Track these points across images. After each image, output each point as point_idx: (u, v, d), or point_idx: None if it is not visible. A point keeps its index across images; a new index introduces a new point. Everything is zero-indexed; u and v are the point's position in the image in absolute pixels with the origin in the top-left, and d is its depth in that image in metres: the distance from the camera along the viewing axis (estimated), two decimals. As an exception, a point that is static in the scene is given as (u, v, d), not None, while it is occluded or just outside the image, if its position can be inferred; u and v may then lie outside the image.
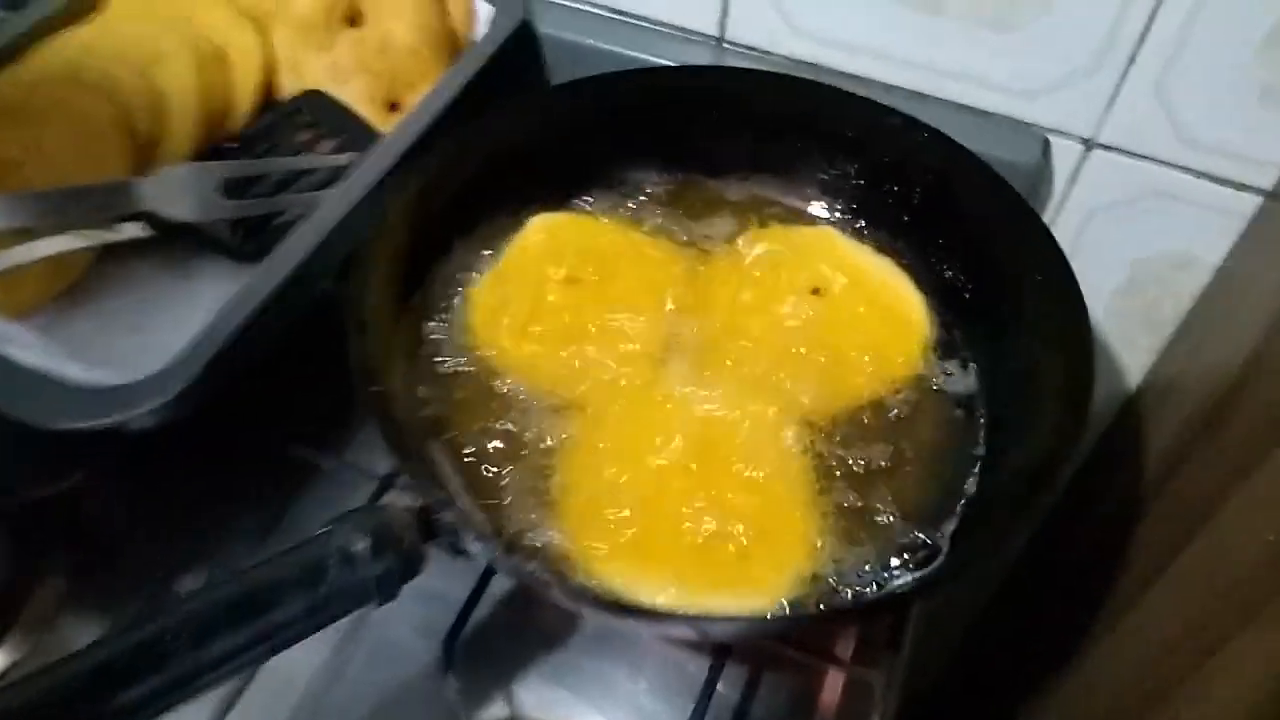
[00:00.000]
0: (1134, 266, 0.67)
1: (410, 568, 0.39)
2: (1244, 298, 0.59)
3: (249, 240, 0.54)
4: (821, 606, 0.45)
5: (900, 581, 0.46)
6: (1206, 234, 0.63)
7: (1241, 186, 0.60)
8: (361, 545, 0.37)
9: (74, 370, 0.46)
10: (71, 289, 0.55)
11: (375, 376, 0.45)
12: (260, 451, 0.53)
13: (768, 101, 0.60)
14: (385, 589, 0.38)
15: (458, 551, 0.40)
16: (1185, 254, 0.65)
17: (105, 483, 0.52)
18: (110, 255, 0.55)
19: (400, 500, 0.39)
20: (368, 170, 0.56)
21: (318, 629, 0.37)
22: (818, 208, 0.61)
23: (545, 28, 0.69)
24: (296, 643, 0.36)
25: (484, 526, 0.45)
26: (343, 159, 0.58)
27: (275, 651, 0.36)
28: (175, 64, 0.60)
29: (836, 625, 0.49)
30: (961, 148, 0.56)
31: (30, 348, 0.47)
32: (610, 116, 0.59)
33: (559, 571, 0.44)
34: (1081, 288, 0.50)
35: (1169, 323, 0.69)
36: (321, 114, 0.61)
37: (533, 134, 0.58)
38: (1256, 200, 0.60)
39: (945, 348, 0.55)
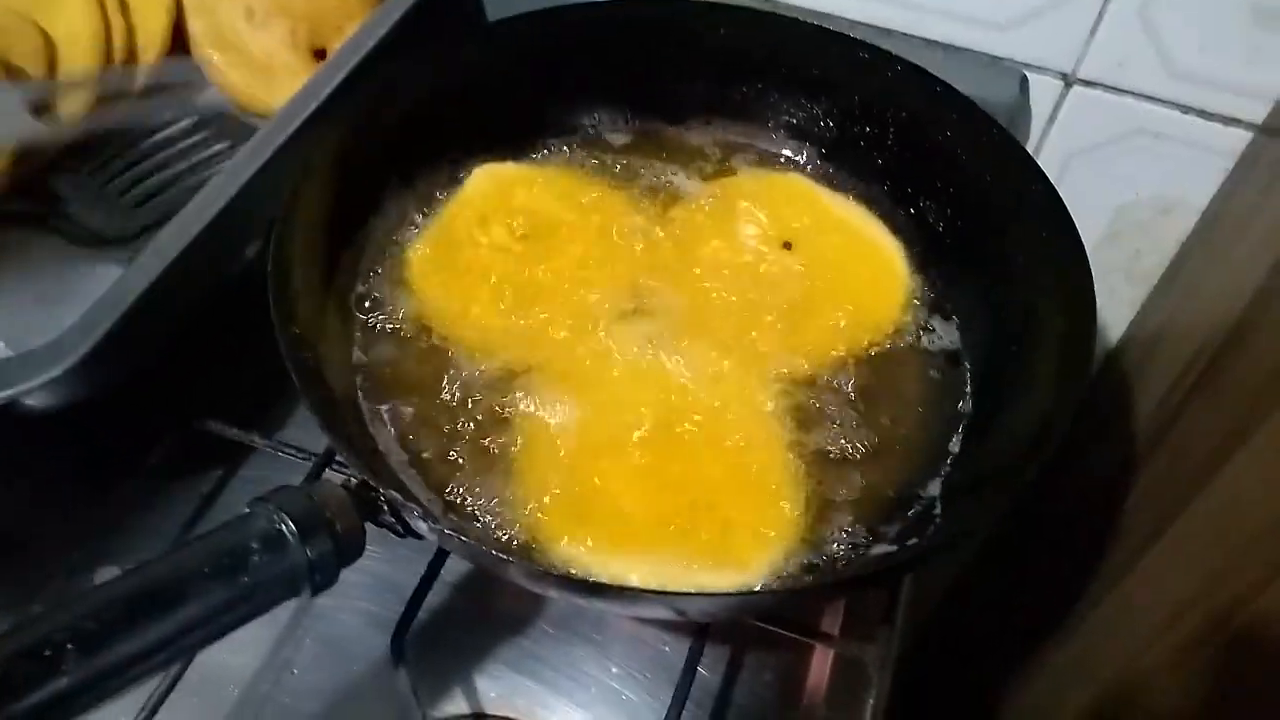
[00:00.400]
0: (1116, 213, 0.64)
1: (348, 551, 0.34)
2: (1237, 241, 0.56)
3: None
4: (808, 579, 0.40)
5: (887, 549, 0.42)
6: (1194, 175, 0.60)
7: (1232, 121, 0.57)
8: (287, 527, 0.32)
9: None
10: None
11: (302, 343, 0.40)
12: (183, 432, 0.47)
13: (728, 37, 0.55)
14: (319, 575, 0.33)
15: (403, 532, 0.35)
16: (1171, 198, 0.62)
17: (8, 467, 0.45)
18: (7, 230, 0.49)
19: (334, 478, 0.34)
20: (283, 121, 0.51)
21: (242, 623, 0.32)
22: (787, 152, 0.57)
23: (482, -34, 0.63)
24: (217, 639, 0.31)
25: (432, 504, 0.40)
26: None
27: (190, 651, 0.31)
28: (68, 6, 0.54)
29: (823, 598, 0.45)
30: (938, 81, 0.52)
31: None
32: (557, 55, 0.54)
33: (518, 550, 0.39)
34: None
35: (1153, 273, 0.66)
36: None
37: (471, 75, 0.53)
38: (1247, 136, 0.57)
39: (927, 299, 0.51)
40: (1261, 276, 0.50)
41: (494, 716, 0.42)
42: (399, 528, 0.36)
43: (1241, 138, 0.57)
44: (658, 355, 0.48)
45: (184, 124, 0.55)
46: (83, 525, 0.46)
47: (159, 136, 0.54)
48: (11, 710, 0.27)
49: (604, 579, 0.38)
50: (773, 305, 0.50)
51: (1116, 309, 0.69)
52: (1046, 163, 0.62)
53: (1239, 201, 0.57)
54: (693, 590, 0.39)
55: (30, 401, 0.39)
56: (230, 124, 0.56)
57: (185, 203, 0.46)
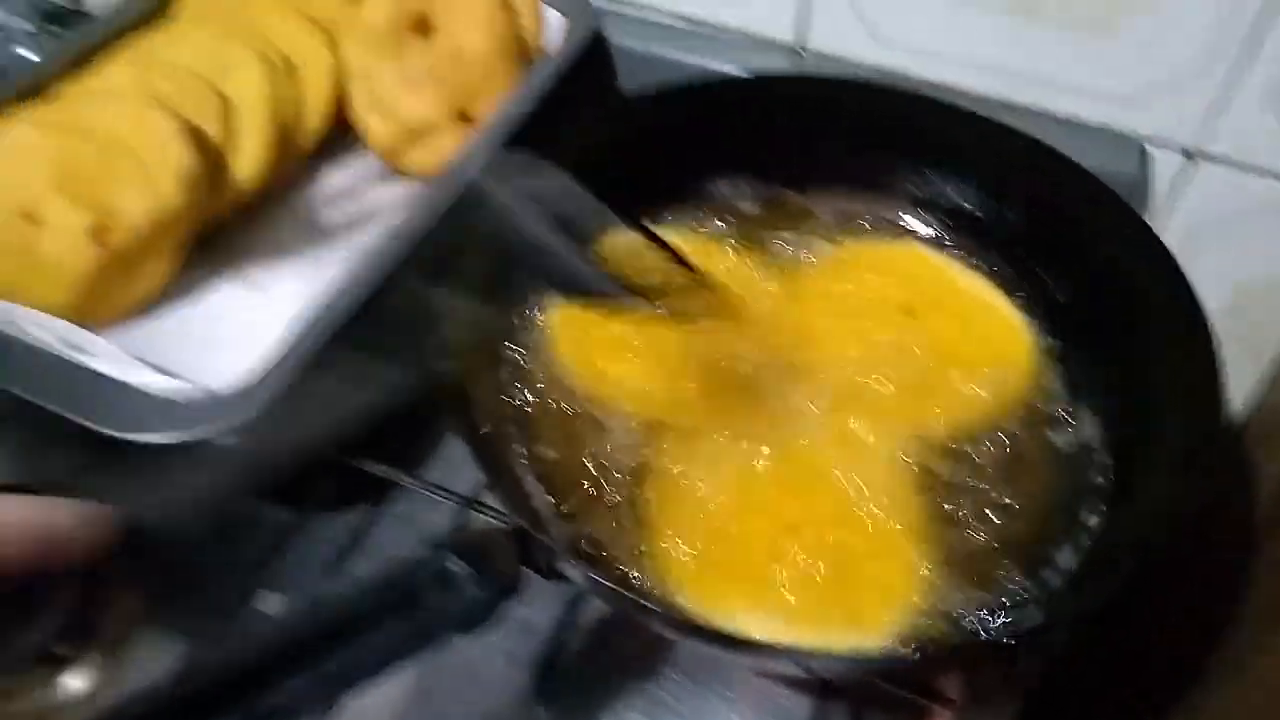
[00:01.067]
0: (1238, 287, 0.64)
1: (505, 592, 0.36)
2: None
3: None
4: (934, 645, 0.42)
5: (1011, 621, 0.43)
6: (1319, 252, 0.60)
7: (1362, 198, 0.57)
8: (459, 568, 0.35)
9: (156, 381, 0.44)
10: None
11: (464, 396, 0.43)
12: (335, 467, 0.51)
13: (854, 111, 0.58)
14: (481, 614, 0.36)
15: (551, 575, 0.38)
16: (1294, 273, 0.62)
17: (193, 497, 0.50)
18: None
19: (492, 521, 0.37)
20: (446, 183, 0.55)
21: (413, 655, 0.34)
22: (910, 222, 0.59)
23: (616, 37, 0.67)
24: (390, 670, 0.34)
25: (578, 549, 0.43)
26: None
27: (367, 680, 0.34)
28: (245, 73, 0.59)
29: (948, 664, 0.46)
30: (1061, 157, 0.53)
31: (110, 358, 0.45)
32: (690, 128, 0.57)
33: (656, 598, 0.41)
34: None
35: (1277, 347, 0.65)
36: None
37: (611, 147, 0.56)
38: (1377, 214, 0.57)
39: (1052, 372, 0.52)
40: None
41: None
42: (550, 571, 0.38)
43: (1372, 216, 0.57)
44: (788, 415, 0.50)
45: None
46: (246, 553, 0.49)
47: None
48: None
49: (737, 632, 0.40)
50: (899, 372, 0.52)
51: (1237, 382, 0.68)
52: (1168, 236, 0.63)
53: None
54: (822, 649, 0.40)
55: (218, 440, 0.43)
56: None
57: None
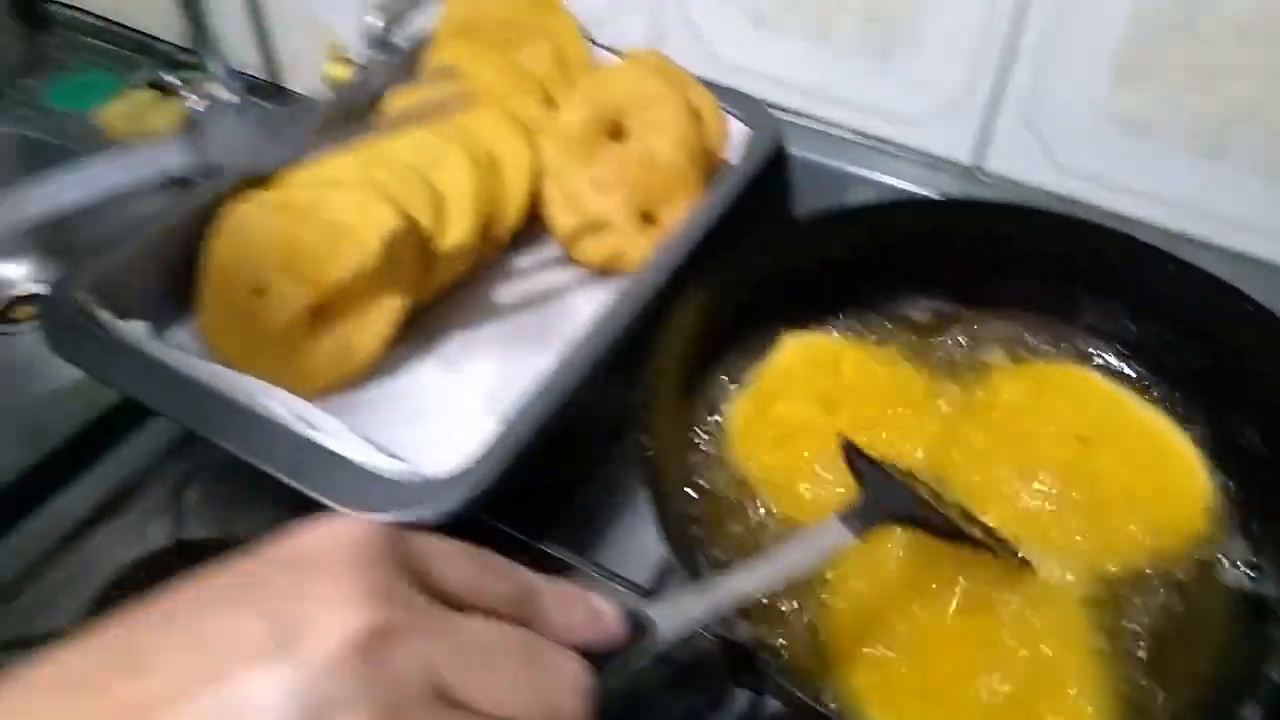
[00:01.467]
0: None
1: (714, 705, 0.38)
2: None
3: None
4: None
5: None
6: None
7: None
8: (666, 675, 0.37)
9: (379, 461, 0.48)
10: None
11: (666, 499, 0.45)
12: (516, 547, 0.54)
13: (1033, 239, 0.59)
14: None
15: (758, 690, 0.40)
16: None
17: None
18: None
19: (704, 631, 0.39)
20: (641, 288, 0.58)
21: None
22: (1085, 349, 0.59)
23: (795, 149, 0.70)
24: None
25: (763, 654, 0.44)
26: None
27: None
28: (454, 168, 0.64)
29: None
30: (1247, 298, 0.54)
31: (338, 435, 0.49)
32: (874, 245, 0.59)
33: (840, 713, 0.43)
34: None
35: None
36: None
37: (798, 259, 0.58)
38: None
39: (1232, 515, 0.52)
40: None
41: None
42: (756, 687, 0.40)
43: None
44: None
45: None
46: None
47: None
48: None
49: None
50: (1069, 501, 0.52)
51: None
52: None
53: None
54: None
55: (433, 521, 0.46)
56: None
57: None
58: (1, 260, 1.07)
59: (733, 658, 0.39)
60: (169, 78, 0.94)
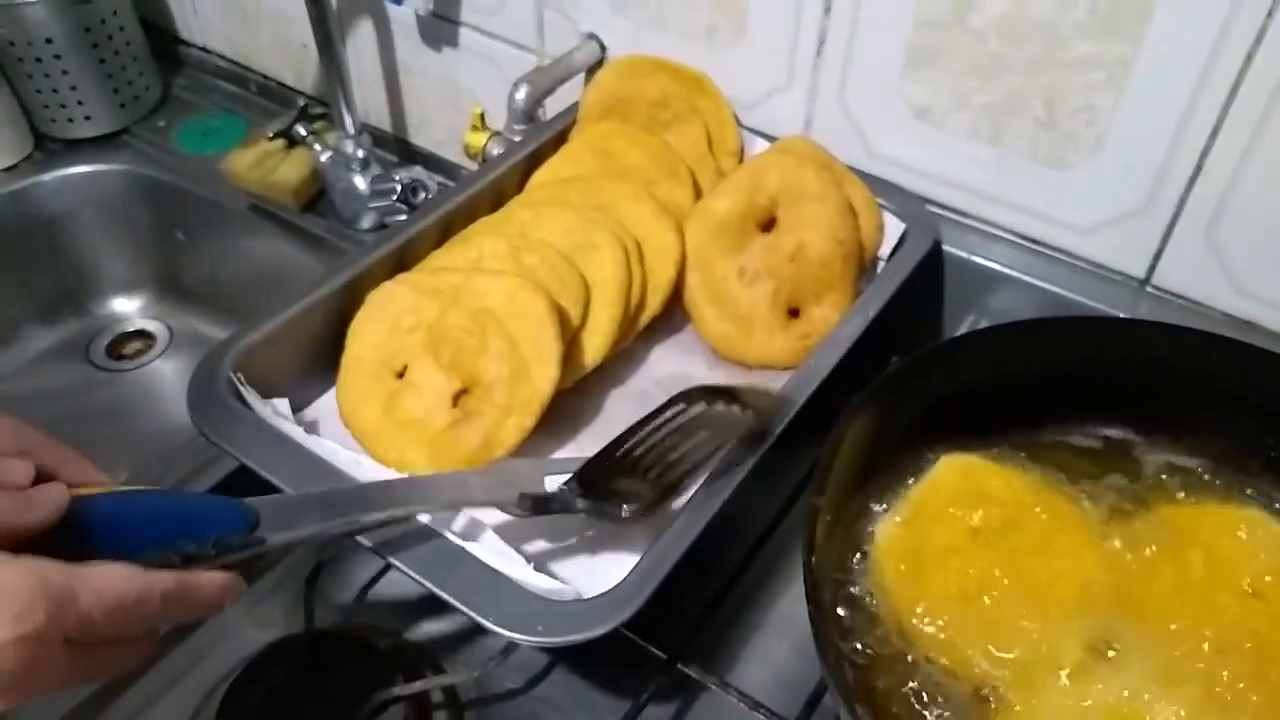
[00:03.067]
0: None
1: None
2: None
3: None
4: None
5: None
6: None
7: None
8: None
9: (534, 580, 0.46)
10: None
11: (831, 644, 0.43)
12: (670, 673, 0.52)
13: (1220, 369, 0.55)
14: None
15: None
16: None
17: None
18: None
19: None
20: (795, 392, 0.55)
21: None
22: (1263, 488, 0.55)
23: (950, 246, 0.67)
24: None
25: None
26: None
27: None
28: (603, 255, 0.62)
29: None
30: None
31: (494, 549, 0.48)
32: (1056, 362, 0.56)
33: None
34: None
35: None
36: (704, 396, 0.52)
37: (967, 376, 0.55)
38: None
39: None
40: None
41: None
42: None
43: None
44: (1125, 685, 0.48)
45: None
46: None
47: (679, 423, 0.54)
48: None
49: None
50: (1235, 660, 0.49)
51: None
52: None
53: None
54: None
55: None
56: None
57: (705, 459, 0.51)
58: (116, 295, 1.09)
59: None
60: (300, 129, 0.94)
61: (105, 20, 1.00)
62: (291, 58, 1.03)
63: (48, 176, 1.02)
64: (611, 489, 0.50)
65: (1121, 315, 0.62)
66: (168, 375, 1.04)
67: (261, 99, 1.09)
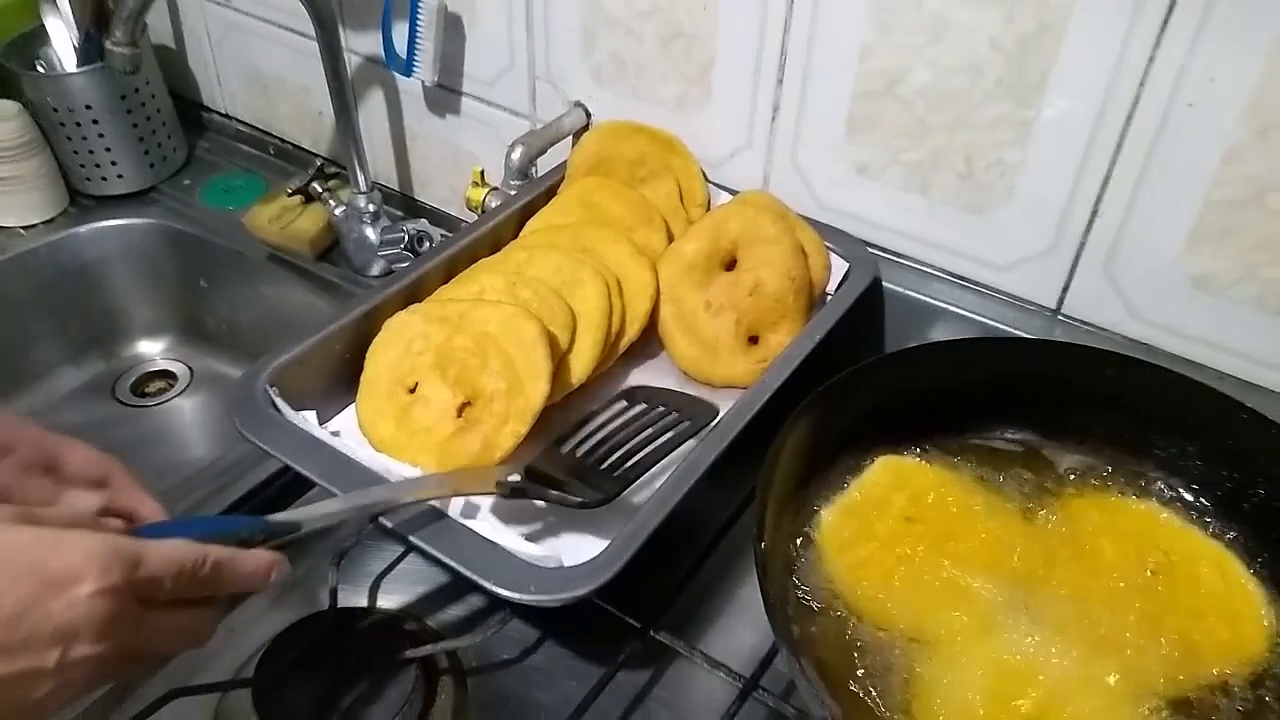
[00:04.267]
0: None
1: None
2: None
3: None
4: None
5: None
6: None
7: None
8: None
9: (526, 548, 0.55)
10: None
11: (779, 610, 0.51)
12: (644, 639, 0.61)
13: (1110, 381, 0.65)
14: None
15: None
16: None
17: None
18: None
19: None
20: (748, 404, 0.65)
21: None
22: (1154, 482, 0.65)
23: (889, 283, 0.77)
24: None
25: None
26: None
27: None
28: (588, 290, 0.72)
29: None
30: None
31: (492, 525, 0.56)
32: (970, 376, 0.66)
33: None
34: None
35: None
36: (646, 397, 0.65)
37: (898, 388, 0.65)
38: None
39: (1288, 627, 0.56)
40: None
41: None
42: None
43: None
44: (1035, 649, 0.56)
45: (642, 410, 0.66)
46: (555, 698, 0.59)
47: (626, 419, 0.64)
48: None
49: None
50: (1134, 625, 0.57)
51: None
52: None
53: None
54: None
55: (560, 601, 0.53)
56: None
57: (653, 461, 0.60)
58: (141, 338, 1.18)
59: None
60: (316, 186, 1.04)
61: (139, 89, 1.11)
62: (308, 124, 1.14)
63: (83, 229, 1.12)
64: (562, 480, 0.59)
65: (1027, 336, 0.71)
66: (187, 412, 1.13)
67: (279, 160, 1.20)
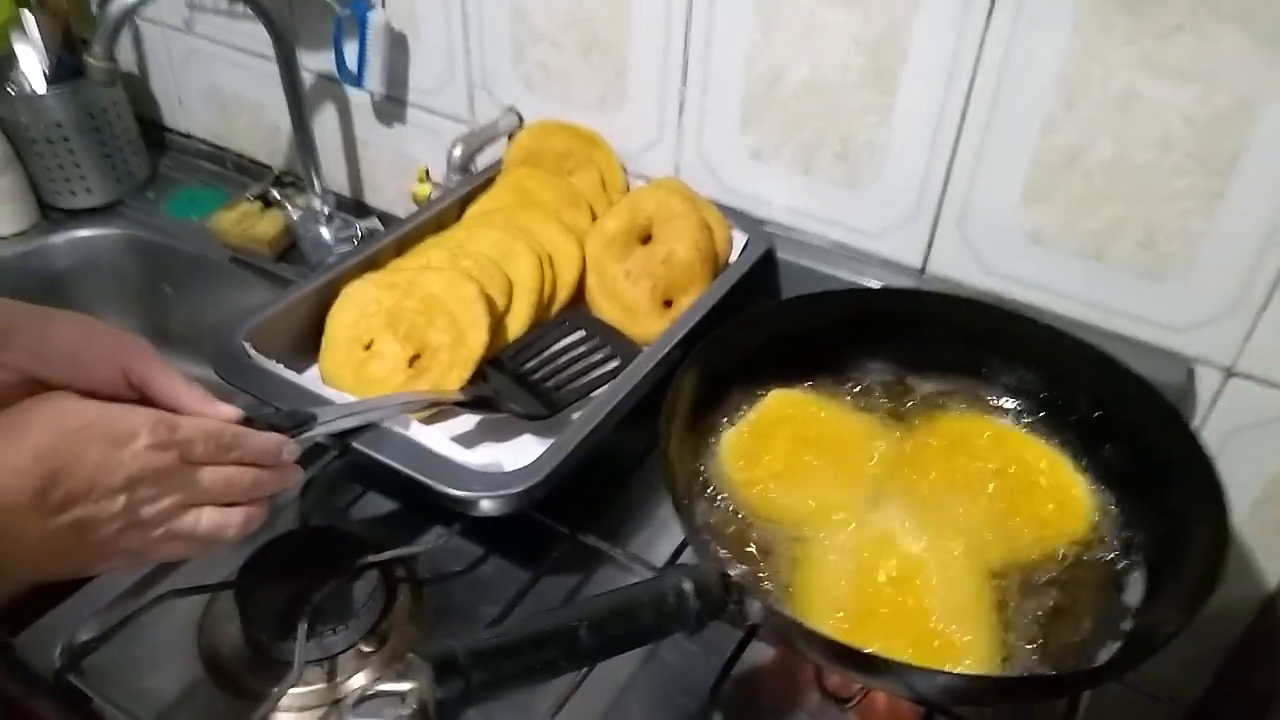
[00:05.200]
0: (1270, 480, 0.80)
1: (714, 612, 0.54)
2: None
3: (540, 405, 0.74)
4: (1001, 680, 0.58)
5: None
6: (1330, 454, 0.76)
7: (1359, 416, 0.73)
8: (689, 586, 0.53)
9: (472, 458, 0.65)
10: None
11: (684, 504, 0.63)
12: (572, 542, 0.71)
13: (961, 321, 0.77)
14: (698, 624, 0.54)
15: (739, 611, 0.56)
16: (1314, 472, 0.77)
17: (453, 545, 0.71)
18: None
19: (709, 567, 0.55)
20: (657, 350, 0.76)
21: (656, 638, 0.52)
22: (1001, 402, 0.77)
23: (784, 254, 0.89)
24: (640, 645, 0.52)
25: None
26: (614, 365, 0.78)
27: (629, 648, 0.52)
28: (521, 261, 0.83)
29: (1015, 695, 0.61)
30: (1124, 367, 0.71)
31: (440, 443, 0.67)
32: (838, 322, 0.78)
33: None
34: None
35: (1304, 530, 0.80)
36: (585, 325, 0.81)
37: (781, 330, 0.77)
38: (1374, 428, 0.73)
39: (1108, 517, 0.69)
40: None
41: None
42: (738, 609, 0.56)
43: (1371, 430, 0.73)
44: (898, 530, 0.68)
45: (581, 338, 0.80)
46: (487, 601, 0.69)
47: (565, 344, 0.79)
48: (546, 656, 0.48)
49: (860, 649, 0.56)
50: (982, 512, 0.69)
51: (1272, 561, 0.83)
52: (1210, 436, 0.80)
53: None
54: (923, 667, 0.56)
55: (501, 505, 0.63)
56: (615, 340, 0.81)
57: (585, 390, 0.71)
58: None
59: (725, 584, 0.55)
60: (275, 192, 1.15)
61: (106, 109, 1.21)
62: (264, 138, 1.25)
63: (53, 239, 1.21)
64: (510, 394, 0.70)
65: (884, 286, 0.84)
66: (154, 406, 1.21)
67: (237, 174, 1.30)
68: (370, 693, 0.45)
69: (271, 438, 0.58)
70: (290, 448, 0.59)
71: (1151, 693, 0.96)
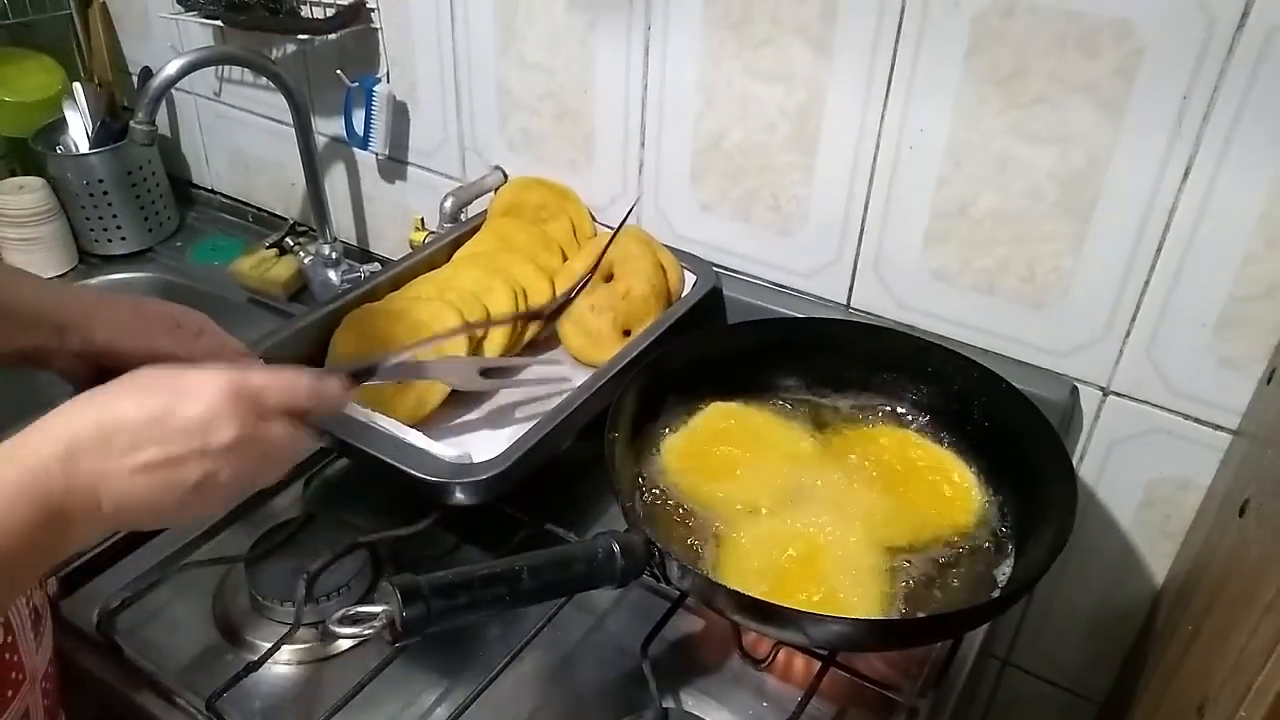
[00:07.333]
0: (1148, 486, 0.91)
1: (637, 570, 0.66)
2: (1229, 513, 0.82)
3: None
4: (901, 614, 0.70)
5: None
6: (1197, 461, 0.87)
7: (1216, 426, 0.85)
8: (616, 547, 0.65)
9: (446, 450, 0.78)
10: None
11: (625, 495, 0.75)
12: (535, 529, 0.83)
13: (872, 345, 0.90)
14: (623, 578, 0.66)
15: (662, 574, 0.68)
16: (1184, 477, 0.89)
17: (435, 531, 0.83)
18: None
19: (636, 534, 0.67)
20: (611, 367, 0.89)
21: (585, 589, 0.64)
22: (907, 414, 0.89)
23: (729, 291, 1.03)
24: (575, 593, 0.64)
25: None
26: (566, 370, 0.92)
27: (564, 594, 0.64)
28: (498, 295, 0.97)
29: (905, 636, 0.73)
30: (1010, 385, 0.84)
31: (418, 438, 0.79)
32: (767, 346, 0.91)
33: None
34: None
35: (1179, 532, 0.91)
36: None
37: (716, 352, 0.90)
38: (1227, 437, 0.85)
39: (991, 505, 0.81)
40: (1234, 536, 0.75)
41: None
42: (660, 572, 0.68)
43: (1224, 438, 0.85)
44: (809, 521, 0.80)
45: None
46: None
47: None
48: (491, 593, 0.60)
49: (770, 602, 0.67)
50: (886, 504, 0.81)
51: (1156, 560, 0.94)
52: (1095, 447, 0.92)
53: (1221, 482, 0.84)
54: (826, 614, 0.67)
55: (471, 491, 0.76)
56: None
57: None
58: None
59: (649, 548, 0.67)
60: (289, 241, 1.29)
61: (142, 167, 1.36)
62: (281, 193, 1.40)
63: (91, 281, 1.35)
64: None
65: (800, 316, 0.97)
66: (176, 432, 1.34)
67: (256, 225, 1.45)
68: (351, 613, 0.57)
69: (339, 384, 0.62)
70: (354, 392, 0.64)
71: (1067, 687, 1.07)
